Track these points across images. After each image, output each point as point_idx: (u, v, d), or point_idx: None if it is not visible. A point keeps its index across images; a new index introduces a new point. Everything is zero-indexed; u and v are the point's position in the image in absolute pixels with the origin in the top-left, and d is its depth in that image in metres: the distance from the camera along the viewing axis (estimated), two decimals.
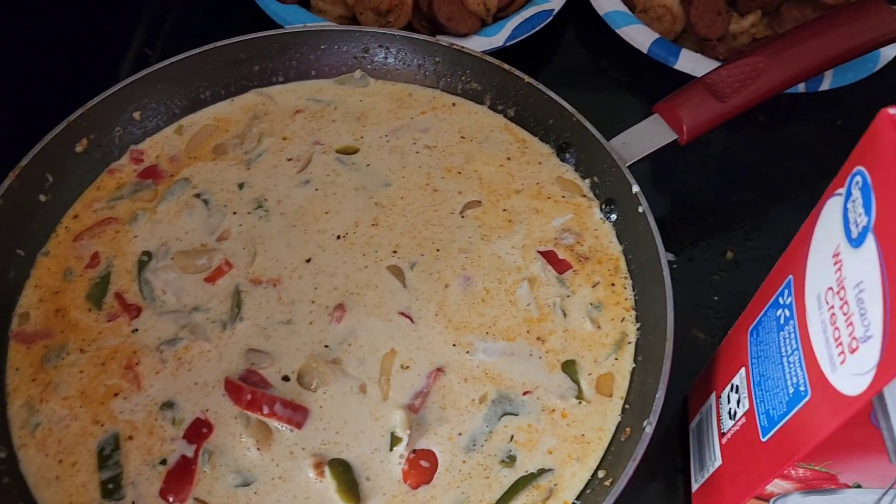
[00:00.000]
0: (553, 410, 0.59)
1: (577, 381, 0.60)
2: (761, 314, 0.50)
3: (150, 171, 0.72)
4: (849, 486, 0.45)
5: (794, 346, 0.44)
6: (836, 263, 0.41)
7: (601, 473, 0.56)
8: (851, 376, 0.38)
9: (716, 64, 0.83)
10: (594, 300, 0.65)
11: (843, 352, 0.39)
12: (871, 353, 0.36)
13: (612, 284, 0.65)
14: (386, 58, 0.77)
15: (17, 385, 0.60)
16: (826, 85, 0.82)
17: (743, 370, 0.51)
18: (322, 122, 0.75)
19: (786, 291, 0.47)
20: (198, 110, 0.76)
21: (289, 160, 0.73)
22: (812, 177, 0.82)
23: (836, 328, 0.40)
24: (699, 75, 0.81)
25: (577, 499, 0.56)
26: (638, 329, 0.63)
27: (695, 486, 0.59)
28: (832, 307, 0.41)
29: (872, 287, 0.36)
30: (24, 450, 0.58)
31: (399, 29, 0.80)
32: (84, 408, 0.59)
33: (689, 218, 0.77)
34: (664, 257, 0.61)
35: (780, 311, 0.47)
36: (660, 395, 0.55)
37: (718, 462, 0.54)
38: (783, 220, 0.77)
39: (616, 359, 0.62)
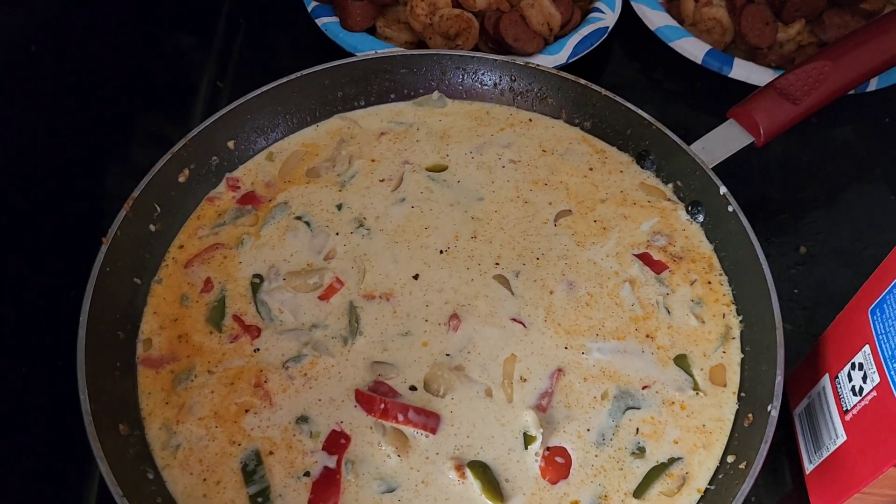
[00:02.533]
0: (673, 403, 0.62)
1: (691, 374, 0.64)
2: (885, 293, 0.54)
3: (248, 198, 0.74)
4: None
5: None
6: None
7: (730, 458, 0.59)
8: None
9: (768, 70, 0.87)
10: (694, 297, 0.68)
11: None
12: None
13: (709, 282, 0.69)
14: (462, 78, 0.81)
15: (151, 409, 0.62)
16: (873, 86, 0.87)
17: (867, 347, 0.54)
18: (406, 142, 0.78)
19: None
20: (285, 137, 0.78)
21: (381, 181, 0.75)
22: (865, 172, 0.87)
23: None
24: (753, 82, 0.86)
25: (710, 484, 0.58)
26: (741, 322, 0.66)
27: (809, 468, 0.62)
28: None
29: None
30: (168, 470, 0.59)
31: (471, 51, 0.84)
32: (219, 427, 0.61)
33: (760, 216, 0.80)
34: (762, 252, 0.65)
35: None
36: (779, 380, 0.58)
37: (842, 439, 0.57)
38: (848, 213, 0.82)
39: (724, 351, 0.65)
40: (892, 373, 0.51)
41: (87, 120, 0.77)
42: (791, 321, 0.74)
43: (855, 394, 0.55)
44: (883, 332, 0.52)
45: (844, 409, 0.57)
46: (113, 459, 0.56)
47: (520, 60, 0.79)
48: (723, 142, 0.73)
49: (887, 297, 0.53)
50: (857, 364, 0.55)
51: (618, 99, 0.76)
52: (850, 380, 0.56)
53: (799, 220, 0.82)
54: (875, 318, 0.54)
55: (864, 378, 0.54)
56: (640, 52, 0.97)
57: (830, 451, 0.59)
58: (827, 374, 0.60)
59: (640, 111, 0.75)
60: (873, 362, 0.53)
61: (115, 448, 0.57)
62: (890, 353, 0.51)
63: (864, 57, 0.75)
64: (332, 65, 0.78)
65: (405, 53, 0.79)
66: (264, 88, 0.76)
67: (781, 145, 0.87)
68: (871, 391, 0.53)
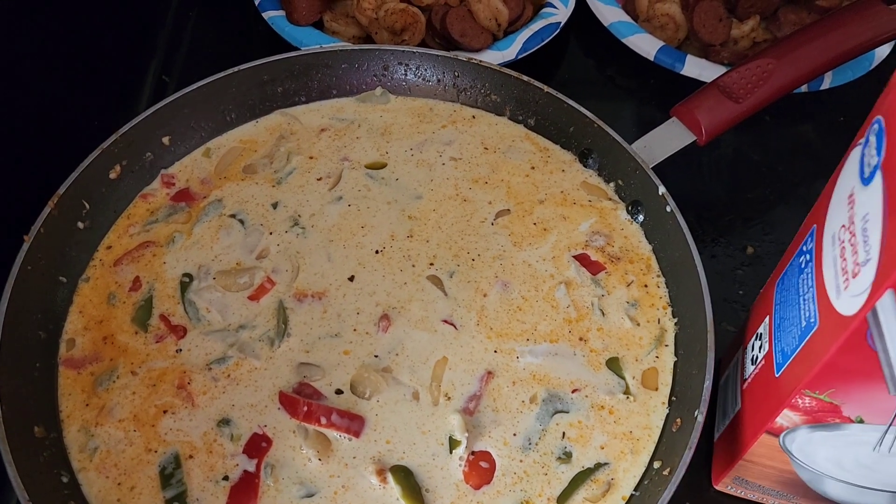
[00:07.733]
0: (602, 407, 0.61)
1: (622, 377, 0.62)
2: (787, 266, 0.55)
3: (182, 195, 0.73)
4: (852, 421, 0.48)
5: (810, 285, 0.48)
6: (849, 203, 0.45)
7: (657, 464, 0.58)
8: (851, 298, 0.42)
9: (720, 68, 0.86)
10: (630, 299, 0.67)
11: (847, 279, 0.43)
12: (868, 274, 0.40)
13: (646, 285, 0.68)
14: (406, 74, 0.79)
15: (70, 411, 0.61)
16: (826, 84, 0.86)
17: (767, 318, 0.56)
18: (347, 139, 0.77)
19: (809, 239, 0.51)
20: (224, 133, 0.77)
21: (318, 179, 0.74)
22: (819, 171, 0.86)
23: (844, 259, 0.44)
24: (705, 79, 0.85)
25: (635, 490, 0.57)
26: (676, 324, 0.65)
27: (716, 435, 0.63)
28: (843, 241, 0.45)
29: (875, 215, 0.41)
30: (83, 473, 0.58)
31: (415, 46, 0.82)
32: (138, 431, 0.59)
33: (707, 216, 0.80)
34: (697, 254, 0.64)
35: (802, 258, 0.52)
36: (707, 385, 0.57)
37: (738, 406, 0.58)
38: (798, 213, 0.80)
39: (657, 355, 0.64)
40: (776, 341, 0.52)
41: (22, 111, 0.76)
42: (734, 323, 0.73)
43: (752, 363, 0.57)
44: (779, 302, 0.54)
45: (744, 377, 0.58)
46: (23, 463, 0.54)
47: (462, 56, 0.77)
48: (665, 140, 0.72)
49: (788, 269, 0.54)
50: (759, 334, 0.57)
51: (560, 96, 0.74)
52: (752, 349, 0.58)
53: (747, 220, 0.80)
54: (778, 289, 0.55)
55: (760, 348, 0.55)
56: (595, 47, 0.96)
57: (730, 419, 0.60)
58: (741, 347, 0.60)
59: (582, 109, 0.74)
60: (768, 333, 0.54)
61: (27, 451, 0.56)
62: (779, 322, 0.53)
63: (810, 54, 0.73)
64: (271, 59, 0.76)
65: (346, 48, 0.78)
66: (201, 83, 0.74)
67: (732, 144, 0.86)
68: (761, 360, 0.54)
